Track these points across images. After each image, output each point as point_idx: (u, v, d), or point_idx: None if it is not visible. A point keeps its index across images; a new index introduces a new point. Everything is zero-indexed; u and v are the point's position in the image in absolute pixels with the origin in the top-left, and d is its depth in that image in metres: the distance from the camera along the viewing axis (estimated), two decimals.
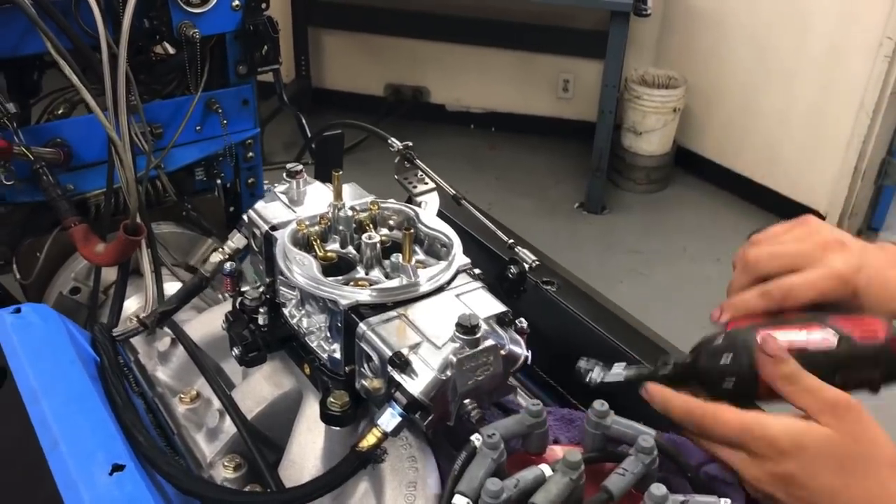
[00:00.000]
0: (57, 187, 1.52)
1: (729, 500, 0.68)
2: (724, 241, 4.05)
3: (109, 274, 1.68)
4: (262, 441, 0.93)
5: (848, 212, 3.97)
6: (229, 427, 0.94)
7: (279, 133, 4.19)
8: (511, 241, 0.99)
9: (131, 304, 1.61)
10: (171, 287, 1.60)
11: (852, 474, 0.71)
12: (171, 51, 1.84)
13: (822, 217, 4.01)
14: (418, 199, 1.13)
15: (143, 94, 1.65)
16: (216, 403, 1.00)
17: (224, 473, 0.92)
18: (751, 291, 0.87)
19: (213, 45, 1.76)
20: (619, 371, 0.86)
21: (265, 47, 1.77)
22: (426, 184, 1.15)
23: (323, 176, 1.44)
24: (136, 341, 1.10)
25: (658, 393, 0.80)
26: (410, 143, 1.16)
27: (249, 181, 1.96)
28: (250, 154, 1.93)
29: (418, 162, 1.14)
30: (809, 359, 0.78)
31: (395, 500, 0.80)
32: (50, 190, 1.51)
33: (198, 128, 1.79)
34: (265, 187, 1.99)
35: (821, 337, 0.79)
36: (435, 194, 1.14)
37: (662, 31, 4.47)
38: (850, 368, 0.79)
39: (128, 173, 1.41)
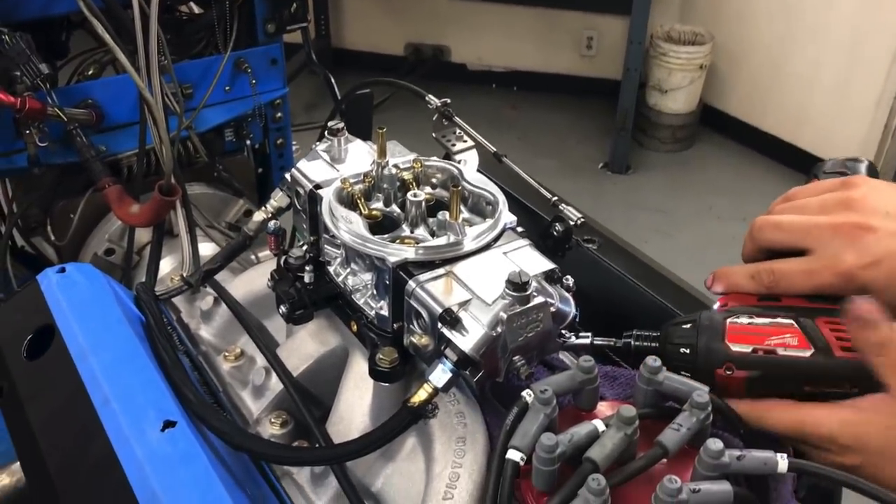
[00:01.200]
0: (91, 148, 1.53)
1: (786, 455, 0.67)
2: (751, 200, 4.02)
3: (142, 235, 1.70)
4: (308, 398, 0.94)
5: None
6: (275, 384, 0.95)
7: (299, 94, 4.17)
8: (555, 197, 0.98)
9: (165, 265, 1.63)
10: (205, 248, 1.61)
11: None
12: (196, 10, 1.84)
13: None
14: (457, 157, 1.12)
15: (172, 55, 1.64)
16: (260, 361, 1.01)
17: (271, 430, 0.93)
18: (743, 268, 0.81)
19: (242, 4, 1.74)
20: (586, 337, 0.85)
21: (294, 4, 1.75)
22: (465, 141, 1.14)
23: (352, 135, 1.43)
24: (178, 300, 1.11)
25: None
26: (448, 100, 1.15)
27: (278, 142, 1.96)
28: (279, 114, 1.92)
29: (457, 119, 1.13)
30: (776, 364, 0.74)
31: (445, 455, 0.80)
32: (84, 151, 1.52)
33: (227, 88, 1.78)
34: (293, 148, 1.99)
35: (795, 342, 0.74)
36: (474, 152, 1.12)
37: None
38: (822, 382, 0.74)
39: (161, 133, 1.41)
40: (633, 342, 0.85)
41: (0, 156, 1.55)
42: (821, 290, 0.76)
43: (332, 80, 1.85)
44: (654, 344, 0.83)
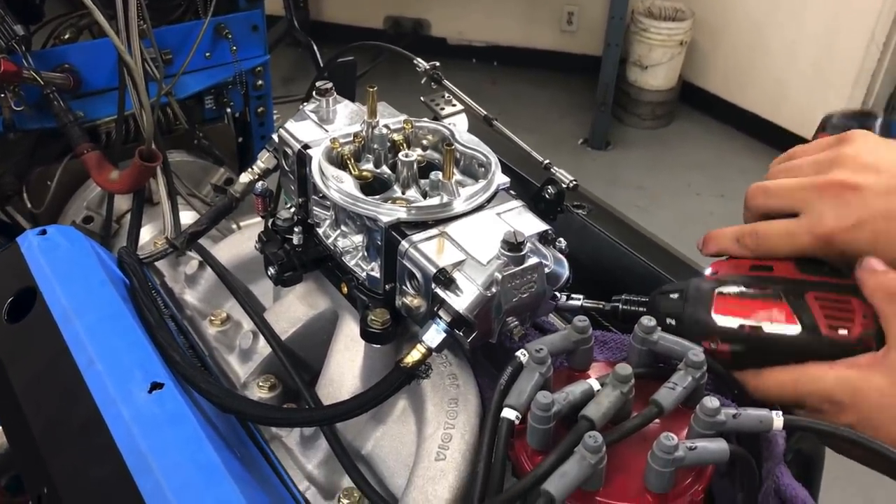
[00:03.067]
0: (69, 113, 1.50)
1: (780, 412, 0.68)
2: (730, 177, 4.04)
3: (120, 203, 1.67)
4: (297, 361, 0.93)
5: None
6: (263, 348, 0.94)
7: (278, 66, 4.11)
8: (546, 161, 0.97)
9: (144, 233, 1.60)
10: (185, 216, 1.58)
11: None
12: None
13: None
14: (445, 121, 1.11)
15: (150, 20, 1.61)
16: (246, 325, 0.99)
17: (259, 393, 0.92)
18: (730, 230, 0.79)
19: None
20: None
21: None
22: (453, 105, 1.13)
23: None
24: (161, 265, 1.09)
25: None
26: (437, 64, 1.13)
27: (259, 110, 1.93)
28: (260, 82, 1.89)
29: (446, 83, 1.11)
30: (761, 340, 0.73)
31: (438, 416, 0.80)
32: (62, 115, 1.49)
33: (207, 54, 1.75)
34: (274, 116, 1.96)
35: (782, 318, 0.72)
36: (463, 116, 1.11)
37: None
38: (808, 360, 0.71)
39: (143, 98, 1.38)
40: (621, 306, 0.85)
41: None
42: (802, 252, 0.74)
43: (315, 48, 1.83)
44: (641, 309, 0.83)
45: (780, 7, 4.00)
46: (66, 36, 1.68)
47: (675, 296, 0.79)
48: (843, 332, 0.71)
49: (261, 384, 0.92)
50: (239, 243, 1.05)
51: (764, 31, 4.10)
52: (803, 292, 0.73)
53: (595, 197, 1.13)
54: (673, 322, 0.78)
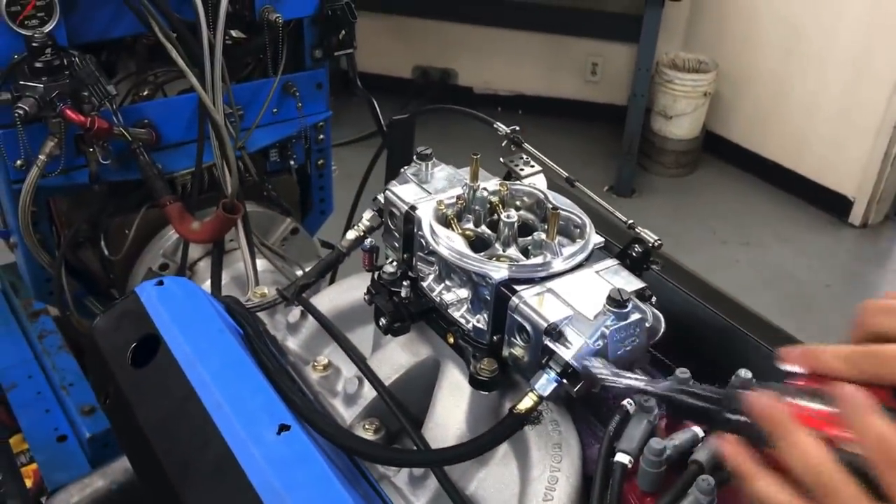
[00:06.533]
0: (153, 166, 1.58)
1: None
2: (753, 225, 4.11)
3: (193, 252, 1.75)
4: (400, 406, 0.99)
5: (877, 197, 4.03)
6: (367, 392, 1.00)
7: None
8: (630, 220, 1.05)
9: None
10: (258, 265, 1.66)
11: None
12: (234, 35, 1.89)
13: (850, 202, 4.08)
14: (524, 181, 1.18)
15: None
16: (346, 372, 1.06)
17: (364, 436, 0.98)
18: (836, 349, 0.68)
19: (291, 29, 1.81)
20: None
21: (343, 32, 1.82)
22: (532, 166, 1.21)
23: (395, 159, 1.50)
24: (261, 313, 1.16)
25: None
26: (518, 128, 1.22)
27: (319, 162, 2.02)
28: (321, 136, 1.99)
29: (526, 146, 1.20)
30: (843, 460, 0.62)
31: (543, 459, 0.86)
32: (147, 169, 1.58)
33: (274, 110, 1.84)
34: (332, 169, 2.05)
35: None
36: (541, 176, 1.19)
37: (693, 14, 4.50)
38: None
39: (228, 152, 1.47)
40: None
41: (60, 172, 1.60)
42: None
43: (375, 104, 1.92)
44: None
45: (801, 58, 4.11)
46: (145, 93, 1.78)
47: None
48: None
49: (366, 427, 0.99)
50: (337, 295, 1.13)
51: (786, 82, 4.21)
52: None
53: (665, 252, 1.20)
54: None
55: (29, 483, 1.79)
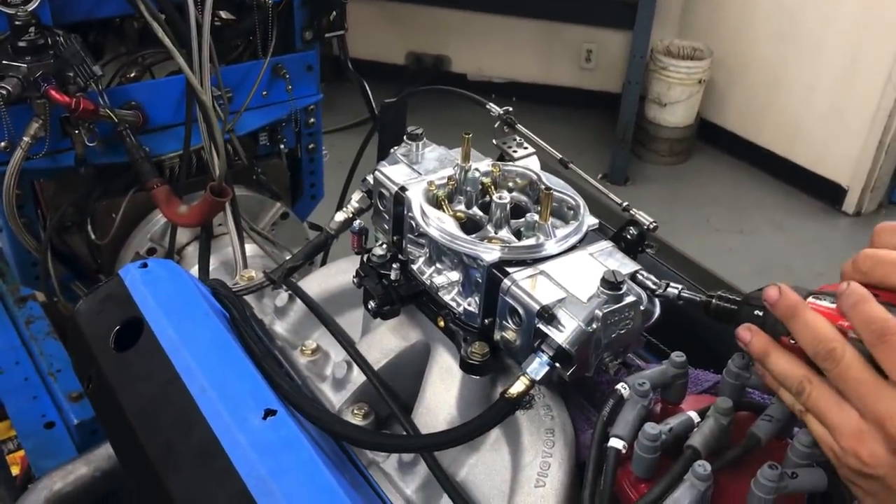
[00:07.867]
0: (140, 149, 1.56)
1: None
2: (747, 213, 4.11)
3: (180, 236, 1.72)
4: (389, 391, 0.97)
5: (870, 186, 4.02)
6: (356, 377, 0.98)
7: None
8: (625, 203, 1.03)
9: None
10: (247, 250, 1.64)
11: None
12: (224, 16, 1.86)
13: (844, 190, 4.07)
14: (517, 163, 1.16)
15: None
16: (335, 356, 1.04)
17: (353, 421, 0.96)
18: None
19: (281, 10, 1.78)
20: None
21: (333, 13, 1.79)
22: (525, 148, 1.18)
23: (386, 142, 1.47)
24: (248, 297, 1.14)
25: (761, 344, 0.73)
26: (510, 108, 1.19)
27: (310, 146, 2.00)
28: (312, 120, 1.96)
29: (519, 127, 1.17)
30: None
31: (535, 445, 0.84)
32: (133, 151, 1.55)
33: (264, 93, 1.82)
34: (322, 153, 2.03)
35: None
36: (535, 158, 1.17)
37: (688, 1, 4.48)
38: None
39: (216, 135, 1.44)
40: (714, 301, 0.82)
41: (46, 155, 1.57)
42: None
43: (367, 88, 1.90)
44: (733, 306, 0.80)
45: (797, 47, 4.09)
46: (132, 74, 1.75)
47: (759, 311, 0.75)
48: None
49: (355, 412, 0.97)
50: (326, 278, 1.10)
51: (781, 70, 4.19)
52: None
53: (659, 236, 1.18)
54: (760, 314, 0.76)
55: (16, 470, 1.76)
